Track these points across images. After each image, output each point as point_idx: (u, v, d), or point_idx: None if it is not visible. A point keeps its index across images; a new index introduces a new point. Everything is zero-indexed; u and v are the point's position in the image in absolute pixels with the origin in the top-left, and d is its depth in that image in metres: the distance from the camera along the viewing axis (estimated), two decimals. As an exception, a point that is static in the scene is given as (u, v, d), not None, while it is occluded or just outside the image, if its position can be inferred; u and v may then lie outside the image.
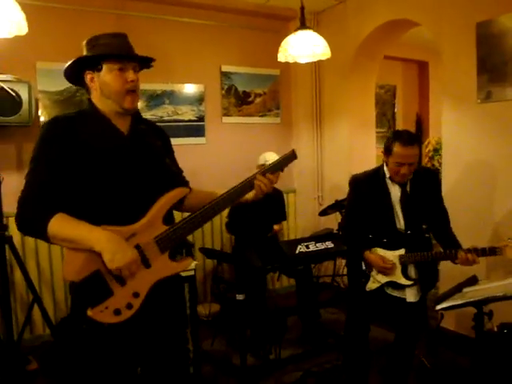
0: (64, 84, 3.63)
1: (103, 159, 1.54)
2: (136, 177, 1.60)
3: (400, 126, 6.31)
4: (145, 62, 1.68)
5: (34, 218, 1.46)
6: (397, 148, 2.39)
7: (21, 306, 3.56)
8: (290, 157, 1.76)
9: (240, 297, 2.76)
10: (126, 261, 1.45)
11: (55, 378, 2.94)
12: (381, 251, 2.54)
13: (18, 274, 3.26)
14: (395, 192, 2.53)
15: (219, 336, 3.55)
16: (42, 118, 3.60)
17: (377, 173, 2.59)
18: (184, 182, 1.85)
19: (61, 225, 1.45)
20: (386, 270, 2.50)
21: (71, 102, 3.68)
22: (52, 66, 3.55)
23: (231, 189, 1.65)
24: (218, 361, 3.25)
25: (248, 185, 1.67)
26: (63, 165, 1.49)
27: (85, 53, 1.60)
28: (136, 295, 1.53)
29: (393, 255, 2.51)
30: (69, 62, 1.60)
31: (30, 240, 3.56)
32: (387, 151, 2.46)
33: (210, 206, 1.62)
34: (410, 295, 2.53)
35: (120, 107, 1.59)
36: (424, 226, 2.50)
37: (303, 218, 4.79)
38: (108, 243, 1.44)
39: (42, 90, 3.58)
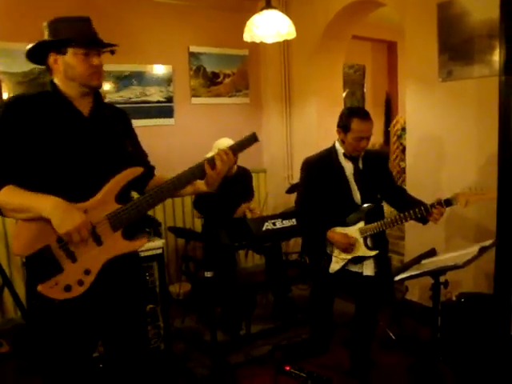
0: (27, 66, 3.55)
1: (61, 140, 1.55)
2: (93, 158, 1.61)
3: (369, 105, 6.39)
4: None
5: None
6: (356, 124, 2.51)
7: (-10, 291, 3.54)
8: (251, 139, 1.72)
9: (208, 274, 2.81)
10: (75, 224, 1.46)
11: (27, 360, 2.95)
12: (340, 229, 2.61)
13: (-15, 258, 3.23)
14: (349, 168, 2.65)
15: (190, 314, 3.61)
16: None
17: (329, 152, 2.69)
18: (148, 166, 1.87)
19: (11, 194, 1.48)
20: (350, 246, 2.57)
21: (35, 84, 3.60)
22: (13, 46, 3.46)
23: (187, 170, 1.66)
24: (189, 337, 3.31)
25: (206, 164, 1.66)
26: (20, 143, 1.51)
27: (46, 34, 1.59)
28: (87, 272, 1.55)
29: (353, 230, 2.59)
30: (31, 44, 1.59)
31: (-3, 224, 3.54)
32: (345, 129, 2.55)
33: (165, 186, 1.64)
34: (367, 269, 2.62)
35: (87, 87, 1.61)
36: (378, 196, 2.61)
37: (274, 197, 4.84)
38: (55, 209, 1.46)
39: (4, 71, 3.49)
